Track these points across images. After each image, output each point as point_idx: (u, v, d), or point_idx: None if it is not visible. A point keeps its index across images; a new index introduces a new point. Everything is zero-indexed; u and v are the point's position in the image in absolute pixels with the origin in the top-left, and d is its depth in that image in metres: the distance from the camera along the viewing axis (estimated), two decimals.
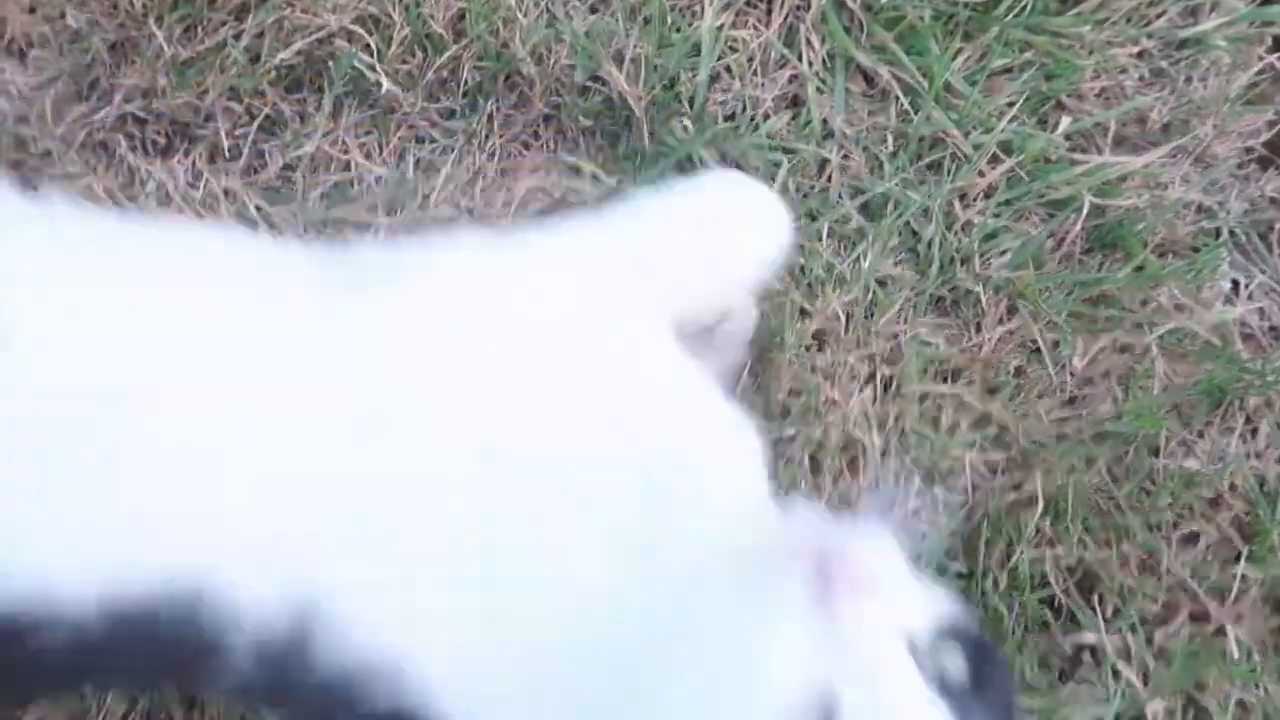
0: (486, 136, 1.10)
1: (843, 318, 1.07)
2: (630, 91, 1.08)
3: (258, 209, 1.05)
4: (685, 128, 1.10)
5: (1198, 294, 1.15)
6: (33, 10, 1.07)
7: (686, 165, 1.10)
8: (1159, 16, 1.20)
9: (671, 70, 1.10)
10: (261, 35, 1.06)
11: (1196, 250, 1.16)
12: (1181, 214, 1.17)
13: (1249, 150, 1.22)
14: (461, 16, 1.08)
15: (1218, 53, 1.21)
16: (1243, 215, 1.20)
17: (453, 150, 1.10)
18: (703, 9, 1.11)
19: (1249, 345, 1.16)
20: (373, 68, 1.07)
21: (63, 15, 1.06)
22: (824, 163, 1.12)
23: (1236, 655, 1.04)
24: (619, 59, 1.09)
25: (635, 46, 1.08)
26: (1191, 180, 1.19)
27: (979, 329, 1.11)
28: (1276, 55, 1.23)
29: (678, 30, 1.12)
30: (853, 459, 1.04)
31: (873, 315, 1.09)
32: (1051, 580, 1.06)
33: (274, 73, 1.06)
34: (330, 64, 1.07)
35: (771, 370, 1.05)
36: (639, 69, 1.09)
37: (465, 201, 1.08)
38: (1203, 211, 1.18)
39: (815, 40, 1.14)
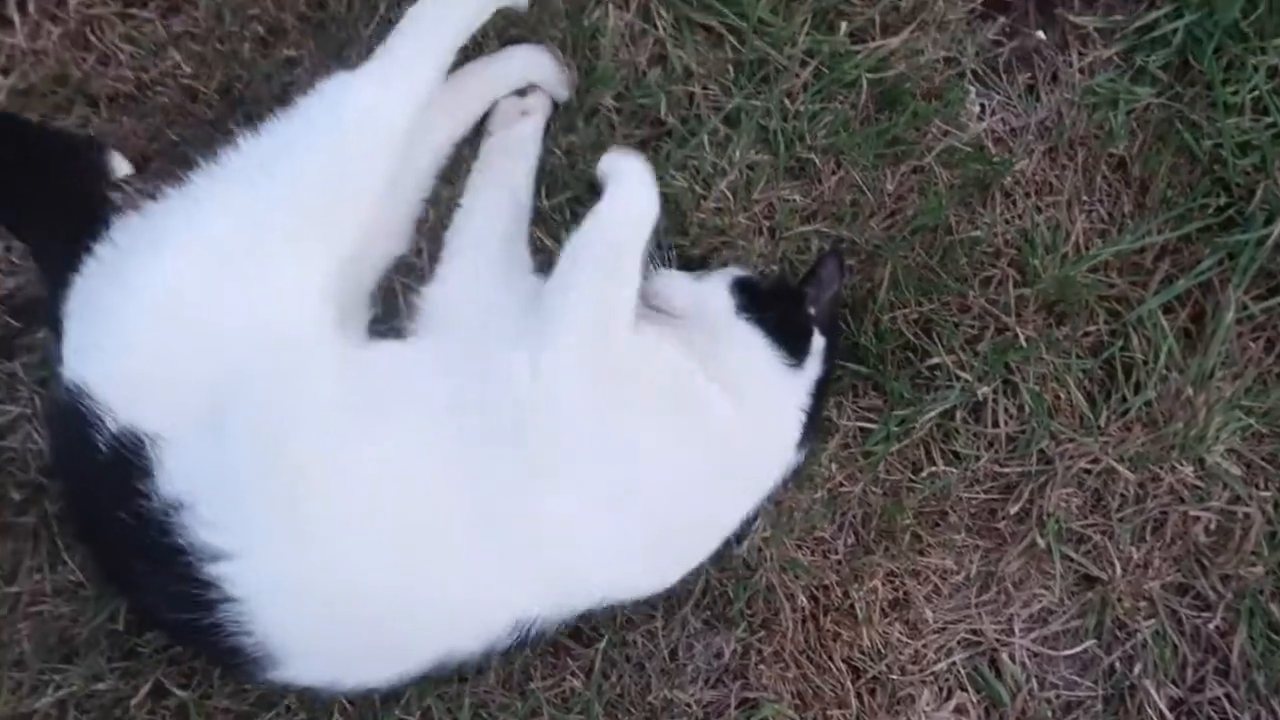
0: None
1: (729, 195, 1.59)
2: None
3: None
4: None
5: (957, 120, 1.69)
6: None
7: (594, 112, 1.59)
8: None
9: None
10: None
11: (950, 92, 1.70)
12: (935, 69, 1.70)
13: (972, 10, 1.74)
14: None
15: None
16: (977, 56, 1.73)
17: None
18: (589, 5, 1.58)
19: (999, 146, 1.71)
20: None
21: None
22: (691, 95, 1.61)
23: (1026, 345, 1.62)
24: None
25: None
26: (938, 41, 1.71)
27: (820, 181, 1.64)
28: None
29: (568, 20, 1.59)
30: None
31: (750, 190, 1.61)
32: (904, 331, 1.62)
33: None
34: None
35: (690, 233, 1.57)
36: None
37: None
38: (949, 62, 1.71)
39: (665, 12, 1.61)
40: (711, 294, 1.43)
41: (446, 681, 1.47)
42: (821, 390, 1.44)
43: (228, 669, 1.22)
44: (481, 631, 1.21)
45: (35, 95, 1.51)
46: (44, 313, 1.39)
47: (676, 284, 1.46)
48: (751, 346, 1.39)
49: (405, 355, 1.33)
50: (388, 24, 1.44)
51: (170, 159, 1.50)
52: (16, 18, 1.50)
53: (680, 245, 1.57)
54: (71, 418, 1.18)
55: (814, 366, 1.42)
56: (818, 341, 1.43)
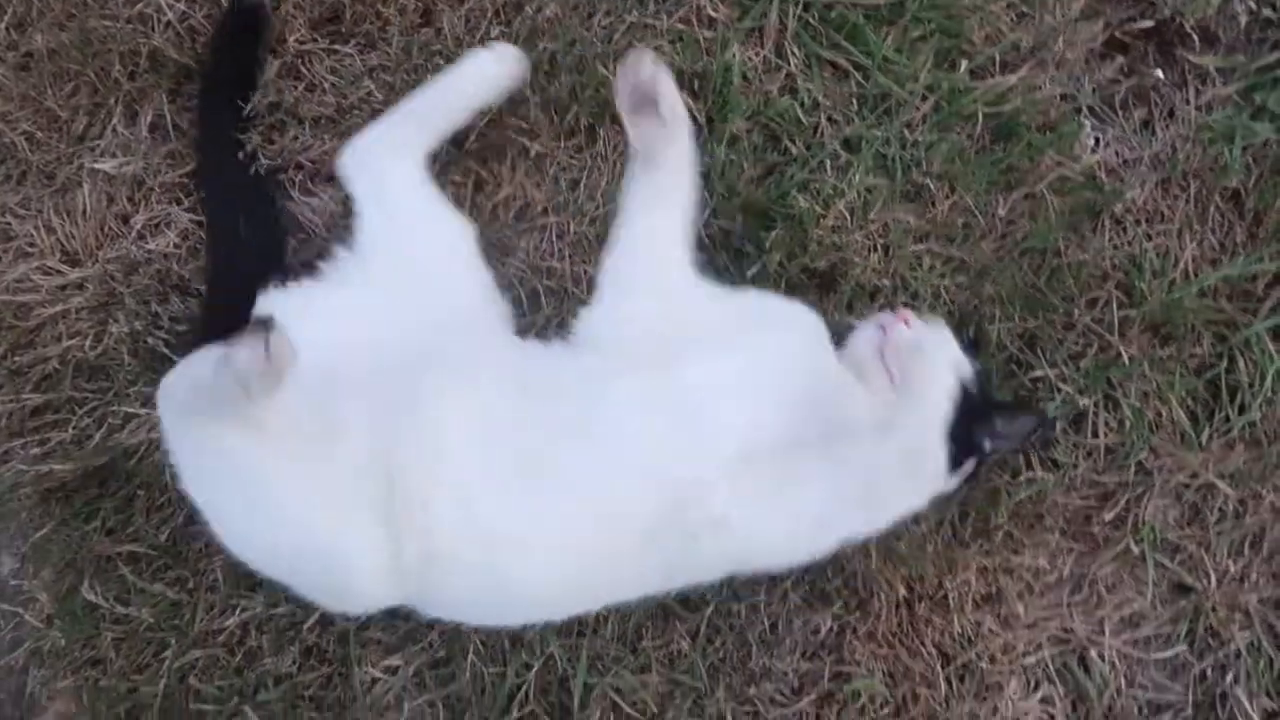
0: None
1: (847, 215, 1.73)
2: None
3: None
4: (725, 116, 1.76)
5: (1071, 151, 1.79)
6: None
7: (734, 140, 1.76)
8: None
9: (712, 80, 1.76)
10: None
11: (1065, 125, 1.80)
12: (1052, 103, 1.81)
13: (1091, 50, 1.85)
14: None
15: None
16: (1093, 94, 1.83)
17: None
18: (728, 43, 1.76)
19: (1111, 176, 1.80)
20: None
21: None
22: (816, 125, 1.77)
23: (1129, 363, 1.69)
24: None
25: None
26: (1056, 79, 1.82)
27: (934, 205, 1.77)
28: None
29: (708, 55, 1.77)
30: (871, 294, 1.71)
31: (866, 211, 1.75)
32: (1009, 344, 1.72)
33: None
34: None
35: (809, 249, 1.71)
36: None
37: None
38: (1066, 99, 1.82)
39: (796, 49, 1.79)
40: (938, 392, 1.44)
41: (567, 633, 1.65)
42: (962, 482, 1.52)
43: None
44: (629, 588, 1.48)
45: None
46: None
47: (920, 350, 1.50)
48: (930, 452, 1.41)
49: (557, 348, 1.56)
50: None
51: None
52: None
53: (800, 260, 1.72)
54: None
55: (953, 480, 1.49)
56: (968, 466, 1.50)
